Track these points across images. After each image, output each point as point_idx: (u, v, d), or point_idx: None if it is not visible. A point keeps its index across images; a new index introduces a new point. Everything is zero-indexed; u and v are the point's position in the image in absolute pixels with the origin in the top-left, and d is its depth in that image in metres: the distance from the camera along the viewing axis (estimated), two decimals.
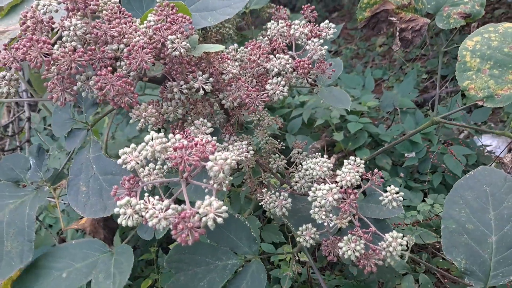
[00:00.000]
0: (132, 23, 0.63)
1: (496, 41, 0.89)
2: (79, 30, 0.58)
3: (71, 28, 0.58)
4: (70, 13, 0.61)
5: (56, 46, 0.59)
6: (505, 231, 0.72)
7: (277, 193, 0.75)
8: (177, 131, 0.73)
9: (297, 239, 0.72)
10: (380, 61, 2.61)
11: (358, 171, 0.67)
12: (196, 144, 0.53)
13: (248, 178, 0.89)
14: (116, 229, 1.06)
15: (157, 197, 0.52)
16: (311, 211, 0.67)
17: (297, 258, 1.30)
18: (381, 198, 0.69)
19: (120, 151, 0.55)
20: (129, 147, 0.55)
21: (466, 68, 0.90)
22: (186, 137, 0.59)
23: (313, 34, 0.72)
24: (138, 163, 0.55)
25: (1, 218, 0.70)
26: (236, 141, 0.72)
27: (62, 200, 1.43)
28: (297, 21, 0.72)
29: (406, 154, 1.79)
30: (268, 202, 0.75)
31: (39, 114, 1.98)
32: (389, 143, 1.78)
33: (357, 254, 0.63)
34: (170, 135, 0.54)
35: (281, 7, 0.82)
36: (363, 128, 1.74)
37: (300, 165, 0.83)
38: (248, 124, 0.91)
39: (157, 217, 0.49)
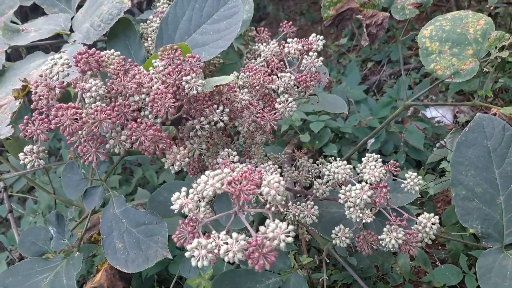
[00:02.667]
0: (143, 72, 0.64)
1: (448, 26, 0.99)
2: (100, 89, 0.58)
3: (93, 88, 0.57)
4: (82, 75, 0.61)
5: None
6: (511, 189, 0.74)
7: (303, 203, 0.77)
8: (197, 165, 0.74)
9: (333, 241, 0.76)
10: None
11: (380, 166, 0.72)
12: (244, 174, 0.55)
13: None
14: (130, 278, 1.03)
15: (223, 232, 0.53)
16: (346, 212, 0.70)
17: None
18: (402, 185, 0.74)
19: (173, 198, 0.55)
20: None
21: (428, 52, 0.99)
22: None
23: (305, 49, 0.76)
24: (193, 204, 0.55)
25: None
26: (258, 163, 0.74)
27: None
28: (289, 39, 0.76)
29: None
30: (296, 214, 0.77)
31: None
32: (351, 133, 1.87)
33: (399, 241, 0.68)
34: (218, 171, 0.56)
35: (261, 29, 0.85)
36: (325, 125, 1.81)
37: (312, 172, 0.86)
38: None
39: (231, 250, 0.51)
